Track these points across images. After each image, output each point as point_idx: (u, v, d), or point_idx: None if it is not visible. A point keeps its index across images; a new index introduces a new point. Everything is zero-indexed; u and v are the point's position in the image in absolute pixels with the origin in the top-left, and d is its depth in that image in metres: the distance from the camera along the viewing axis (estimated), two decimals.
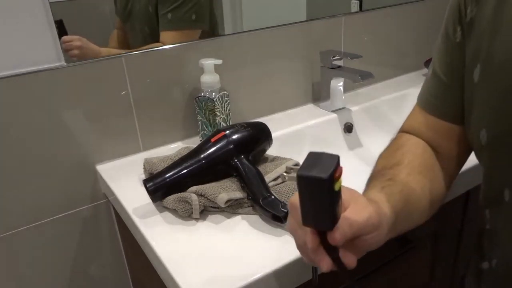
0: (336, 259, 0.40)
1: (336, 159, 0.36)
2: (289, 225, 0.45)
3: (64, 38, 0.74)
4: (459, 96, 0.55)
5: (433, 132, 0.59)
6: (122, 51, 0.80)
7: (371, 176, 0.56)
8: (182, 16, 0.85)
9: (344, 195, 0.40)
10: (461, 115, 0.55)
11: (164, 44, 0.84)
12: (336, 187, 0.36)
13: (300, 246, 0.44)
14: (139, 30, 0.84)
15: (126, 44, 0.83)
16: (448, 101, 0.57)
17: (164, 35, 0.85)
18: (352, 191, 0.44)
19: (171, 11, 0.84)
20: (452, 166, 0.60)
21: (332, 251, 0.40)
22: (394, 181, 0.53)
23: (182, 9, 0.85)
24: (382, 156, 0.60)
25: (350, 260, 0.41)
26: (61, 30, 0.74)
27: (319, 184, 0.35)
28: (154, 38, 0.85)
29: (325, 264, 0.41)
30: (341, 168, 0.36)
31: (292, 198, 0.43)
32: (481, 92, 0.50)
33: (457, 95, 0.55)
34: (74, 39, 0.76)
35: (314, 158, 0.36)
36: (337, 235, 0.39)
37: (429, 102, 0.60)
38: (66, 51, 0.74)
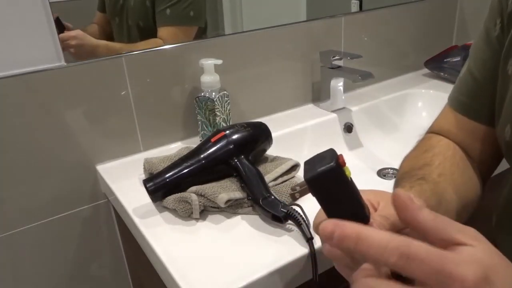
0: None
1: (331, 150, 0.35)
2: (326, 251, 0.38)
3: (61, 36, 0.74)
4: (493, 95, 0.52)
5: (464, 134, 0.56)
6: (118, 44, 0.80)
7: (398, 179, 0.53)
8: (181, 12, 0.86)
9: (371, 196, 0.38)
10: (493, 116, 0.53)
11: (162, 40, 0.84)
12: (348, 174, 0.34)
13: (349, 268, 0.38)
14: (133, 24, 0.84)
15: (108, 38, 0.82)
16: (480, 101, 0.55)
17: (162, 30, 0.85)
18: (377, 191, 0.42)
19: (170, 7, 0.84)
20: (483, 169, 0.57)
21: None
22: (425, 180, 0.49)
23: (180, 6, 0.85)
24: (408, 158, 0.57)
25: None
26: (59, 27, 0.74)
27: (331, 174, 0.33)
28: (148, 33, 0.85)
29: None
30: (342, 155, 0.34)
31: (314, 221, 0.40)
32: None
33: (490, 94, 0.53)
34: (69, 38, 0.76)
35: (311, 162, 0.35)
36: (375, 226, 0.35)
37: (460, 102, 0.57)
38: (63, 49, 0.74)
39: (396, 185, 0.52)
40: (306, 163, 0.35)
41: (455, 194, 0.51)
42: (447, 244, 0.30)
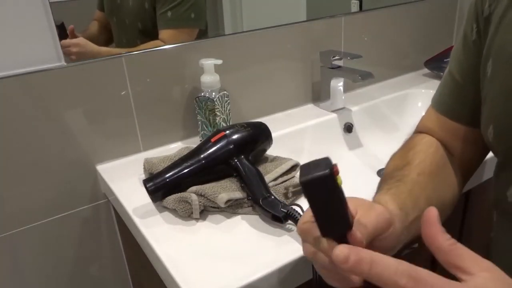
0: None
1: (327, 159, 0.37)
2: (306, 251, 0.42)
3: (63, 42, 0.74)
4: (472, 97, 0.54)
5: (446, 133, 0.58)
6: (122, 50, 0.80)
7: (381, 179, 0.55)
8: (182, 14, 0.86)
9: (349, 204, 0.39)
10: (473, 117, 0.54)
11: (164, 42, 0.84)
12: (339, 182, 0.36)
13: (325, 268, 0.41)
14: (129, 25, 0.84)
15: (108, 37, 0.82)
16: (461, 102, 0.56)
17: (164, 33, 0.85)
18: (356, 199, 0.43)
19: (171, 10, 0.84)
20: (465, 167, 0.59)
21: None
22: (403, 181, 0.51)
23: (181, 8, 0.85)
24: (394, 157, 0.59)
25: None
26: (62, 33, 0.74)
27: (324, 180, 0.35)
28: (147, 35, 0.85)
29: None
30: (336, 164, 0.36)
31: (299, 224, 0.42)
32: (491, 87, 0.49)
33: (470, 96, 0.54)
34: (71, 45, 0.76)
35: (307, 167, 0.37)
36: (358, 234, 0.37)
37: (442, 103, 0.59)
38: (65, 54, 0.74)
39: (378, 186, 0.54)
40: (302, 167, 0.37)
41: (434, 192, 0.52)
42: (459, 271, 0.32)
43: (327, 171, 0.35)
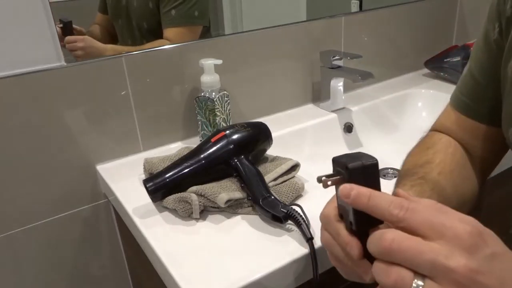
0: None
1: (364, 153, 0.40)
2: (324, 239, 0.43)
3: (68, 38, 0.74)
4: (492, 96, 0.54)
5: (465, 132, 0.58)
6: (126, 47, 0.80)
7: (400, 175, 0.55)
8: (186, 12, 0.86)
9: None
10: (492, 116, 0.54)
11: (169, 41, 0.84)
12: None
13: (339, 261, 0.42)
14: (137, 26, 0.84)
15: (110, 40, 0.83)
16: (480, 101, 0.56)
17: (168, 31, 0.85)
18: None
19: (175, 8, 0.84)
20: (484, 166, 0.59)
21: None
22: (425, 179, 0.52)
23: (185, 6, 0.86)
24: (411, 154, 0.59)
25: None
26: (69, 30, 0.74)
27: (373, 168, 0.38)
28: (153, 34, 0.85)
29: (368, 276, 0.38)
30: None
31: (324, 209, 0.43)
32: None
33: (489, 95, 0.54)
34: (78, 40, 0.76)
35: (344, 157, 0.39)
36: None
37: (461, 102, 0.58)
38: (70, 51, 0.74)
39: (398, 182, 0.54)
40: (336, 158, 0.40)
41: (454, 191, 0.52)
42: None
43: (376, 160, 0.38)
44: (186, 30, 0.87)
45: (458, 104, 0.59)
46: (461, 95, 0.58)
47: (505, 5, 0.51)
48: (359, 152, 0.40)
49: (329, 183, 0.40)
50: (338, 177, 0.39)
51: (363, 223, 0.38)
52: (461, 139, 0.58)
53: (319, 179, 0.40)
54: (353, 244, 0.38)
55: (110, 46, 0.81)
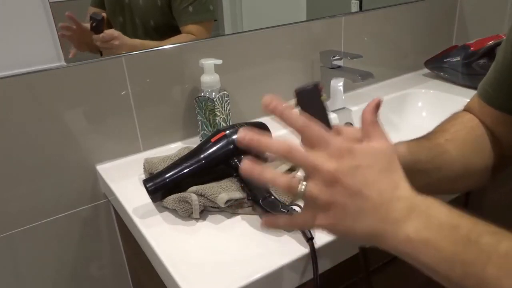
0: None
1: (317, 82, 0.49)
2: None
3: (103, 37, 0.76)
4: (510, 86, 0.55)
5: (487, 118, 0.60)
6: (152, 42, 0.82)
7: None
8: (202, 7, 0.87)
9: (345, 127, 0.48)
10: (511, 105, 0.56)
11: (194, 35, 0.86)
12: (323, 98, 0.48)
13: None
14: (140, 24, 0.84)
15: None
16: (499, 91, 0.58)
17: (188, 28, 0.87)
18: (356, 128, 0.49)
19: (191, 4, 0.85)
20: (503, 150, 0.60)
21: None
22: (429, 140, 0.56)
23: (201, 1, 0.87)
24: (436, 126, 0.62)
25: None
26: (100, 27, 0.74)
27: (312, 91, 0.48)
28: (159, 32, 0.85)
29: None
30: (322, 85, 0.48)
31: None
32: None
33: (508, 85, 0.56)
34: (113, 38, 0.78)
35: (301, 87, 0.48)
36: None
37: (484, 91, 0.61)
38: (103, 49, 0.76)
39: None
40: (297, 88, 0.48)
41: (459, 157, 0.56)
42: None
43: (313, 85, 0.48)
44: (205, 25, 0.89)
45: (481, 92, 0.61)
46: (485, 84, 0.61)
47: None
48: (312, 82, 0.49)
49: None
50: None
51: None
52: (484, 123, 0.61)
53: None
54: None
55: (138, 41, 0.82)
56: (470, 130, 0.59)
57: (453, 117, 0.63)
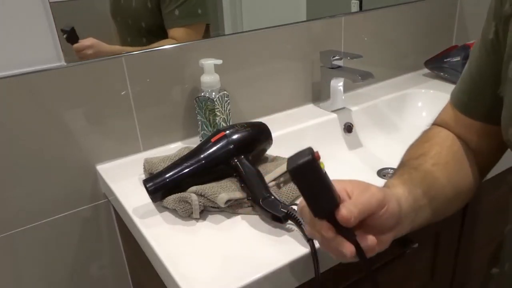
0: (354, 242, 0.43)
1: (309, 148, 0.41)
2: (308, 232, 0.48)
3: (77, 47, 0.75)
4: (489, 95, 0.54)
5: (462, 128, 0.59)
6: (132, 48, 0.81)
7: (397, 167, 0.57)
8: (189, 11, 0.86)
9: (346, 186, 0.45)
10: (490, 114, 0.55)
11: (175, 40, 0.85)
12: (322, 166, 0.42)
13: (324, 244, 0.46)
14: (132, 25, 0.84)
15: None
16: (477, 99, 0.57)
17: (174, 31, 0.85)
18: (353, 181, 0.47)
19: (178, 7, 0.84)
20: (483, 161, 0.60)
21: (349, 234, 0.43)
22: (417, 170, 0.54)
23: (188, 4, 0.86)
24: (411, 147, 0.61)
25: (369, 240, 0.44)
26: (73, 37, 0.74)
27: (308, 165, 0.40)
28: (152, 34, 0.85)
29: (347, 249, 0.43)
30: (317, 151, 0.41)
31: (298, 207, 0.46)
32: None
33: (486, 94, 0.55)
34: (85, 47, 0.76)
35: (293, 157, 0.42)
36: (344, 211, 0.41)
37: (459, 100, 0.60)
38: (80, 58, 0.75)
39: (393, 173, 0.57)
40: (289, 159, 0.42)
41: (448, 182, 0.54)
42: None
43: (310, 157, 0.40)
44: (190, 29, 0.87)
45: (456, 101, 0.60)
46: (459, 92, 0.59)
47: (502, 5, 0.51)
48: (304, 150, 0.42)
49: (281, 185, 0.47)
50: (288, 177, 0.43)
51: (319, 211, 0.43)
52: (459, 134, 0.60)
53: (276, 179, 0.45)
54: (324, 226, 0.43)
55: (117, 48, 0.81)
56: (449, 151, 0.57)
57: (428, 136, 0.61)
